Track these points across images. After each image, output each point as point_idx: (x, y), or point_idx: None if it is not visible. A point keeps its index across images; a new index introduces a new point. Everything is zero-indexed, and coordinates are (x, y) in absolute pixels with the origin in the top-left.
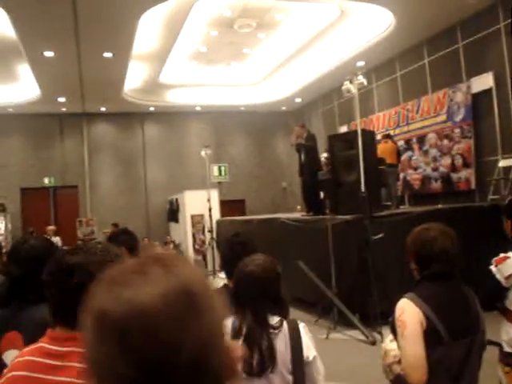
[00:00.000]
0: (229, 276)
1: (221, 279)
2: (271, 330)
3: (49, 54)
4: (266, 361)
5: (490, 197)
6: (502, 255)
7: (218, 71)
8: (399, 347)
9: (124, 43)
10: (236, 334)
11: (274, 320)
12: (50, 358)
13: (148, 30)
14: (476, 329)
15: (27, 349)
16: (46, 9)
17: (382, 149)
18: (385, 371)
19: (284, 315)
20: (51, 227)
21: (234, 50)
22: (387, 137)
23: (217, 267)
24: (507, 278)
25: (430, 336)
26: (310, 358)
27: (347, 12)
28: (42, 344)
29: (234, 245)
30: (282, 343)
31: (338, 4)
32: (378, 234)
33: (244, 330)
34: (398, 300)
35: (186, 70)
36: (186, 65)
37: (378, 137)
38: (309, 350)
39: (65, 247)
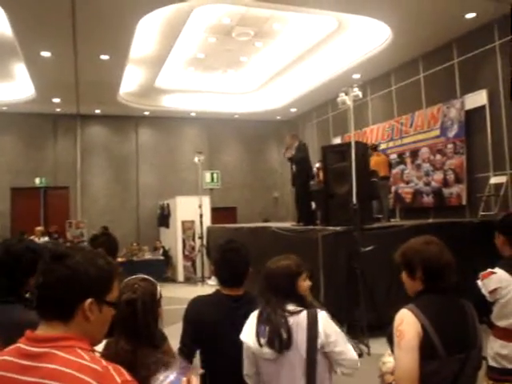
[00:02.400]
0: (221, 282)
1: (210, 286)
2: (288, 315)
3: (46, 54)
4: (284, 340)
5: (481, 213)
6: (488, 270)
7: (214, 78)
8: (394, 357)
9: (121, 46)
10: (259, 320)
11: (291, 307)
12: (25, 359)
13: (146, 34)
14: (472, 344)
15: (6, 349)
16: (44, 9)
17: (375, 161)
18: (380, 381)
19: (304, 305)
20: (39, 228)
21: (231, 58)
22: (375, 149)
23: (206, 274)
24: (491, 292)
25: (426, 349)
26: (331, 339)
27: (345, 24)
28: (19, 344)
29: (226, 251)
30: (301, 328)
31: (335, 16)
32: (367, 246)
33: (264, 315)
34: (385, 312)
35: (182, 76)
36: (182, 70)
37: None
38: (327, 336)
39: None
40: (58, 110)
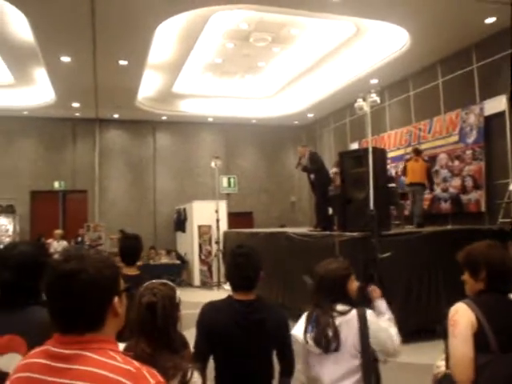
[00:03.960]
0: (233, 287)
1: (226, 290)
2: (336, 315)
3: (66, 59)
4: (330, 338)
5: (500, 220)
6: None
7: (231, 83)
8: (449, 346)
9: (140, 52)
10: (308, 319)
11: (341, 307)
12: (54, 361)
13: (164, 39)
14: None
15: (33, 351)
16: (65, 14)
17: (412, 167)
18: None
19: (353, 305)
20: (58, 231)
21: (249, 63)
22: (418, 153)
23: (222, 278)
24: None
25: (479, 341)
26: (378, 334)
27: (362, 29)
28: (48, 346)
29: (237, 256)
30: (349, 328)
31: (353, 21)
32: (385, 252)
33: (314, 315)
34: (403, 320)
35: (200, 81)
36: (200, 75)
37: (390, 154)
38: (375, 332)
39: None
40: (77, 114)
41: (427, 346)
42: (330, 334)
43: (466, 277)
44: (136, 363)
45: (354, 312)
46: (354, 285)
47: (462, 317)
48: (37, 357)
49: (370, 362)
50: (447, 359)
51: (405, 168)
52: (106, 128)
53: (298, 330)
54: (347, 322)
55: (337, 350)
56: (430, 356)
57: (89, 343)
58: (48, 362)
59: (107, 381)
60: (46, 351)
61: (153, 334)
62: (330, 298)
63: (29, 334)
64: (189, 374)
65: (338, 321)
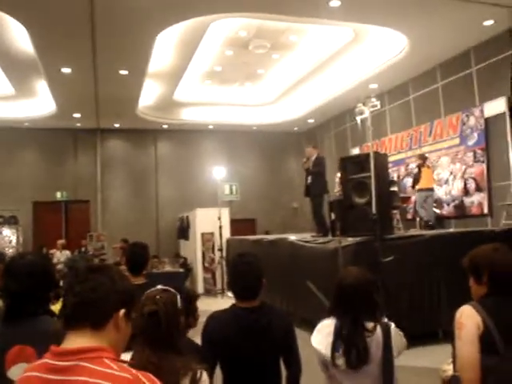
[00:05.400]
0: (236, 296)
1: (229, 298)
2: (367, 333)
3: (66, 70)
4: (362, 358)
5: (503, 221)
6: None
7: (231, 91)
8: (456, 349)
9: (140, 61)
10: (337, 335)
11: (370, 325)
12: (52, 374)
13: (164, 48)
14: None
15: (32, 364)
16: (64, 26)
17: (426, 173)
18: None
19: (378, 320)
20: (61, 241)
21: (249, 70)
22: (426, 159)
23: (225, 286)
24: None
25: (486, 343)
26: (400, 349)
27: (361, 35)
28: (46, 360)
29: (238, 265)
30: (374, 344)
31: (352, 27)
32: (388, 256)
33: (344, 332)
34: (407, 323)
35: (200, 89)
36: (200, 83)
37: (391, 158)
38: (397, 347)
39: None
40: (79, 124)
41: (430, 349)
42: (363, 352)
43: (470, 282)
44: (133, 370)
45: (378, 328)
46: (376, 300)
47: (467, 319)
48: (35, 370)
49: (392, 377)
50: (455, 362)
51: (419, 173)
52: (107, 138)
53: (319, 342)
54: (373, 338)
55: (365, 365)
56: (431, 359)
57: (85, 353)
58: (45, 376)
59: None
60: (43, 365)
61: (157, 342)
62: (358, 311)
63: (39, 344)
64: (198, 374)
65: (368, 339)
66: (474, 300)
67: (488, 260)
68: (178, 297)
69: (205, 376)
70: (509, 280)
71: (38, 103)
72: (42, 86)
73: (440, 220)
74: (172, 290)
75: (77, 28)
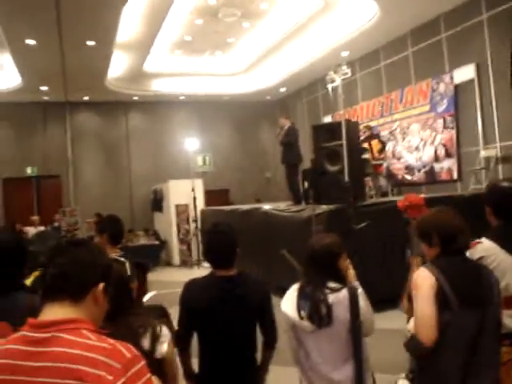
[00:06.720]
0: (212, 265)
1: (205, 268)
2: (329, 292)
3: (31, 42)
4: (324, 316)
5: (472, 187)
6: (474, 241)
7: (202, 60)
8: (414, 309)
9: (107, 31)
10: (301, 295)
11: (334, 285)
12: (30, 345)
13: (132, 17)
14: (489, 301)
15: (10, 337)
16: None
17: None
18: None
19: (344, 283)
20: (35, 217)
21: (219, 39)
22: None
23: (201, 256)
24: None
25: (440, 301)
26: (367, 314)
27: (332, 2)
28: (23, 332)
29: (212, 234)
30: (341, 305)
31: None
32: (361, 222)
33: (308, 291)
34: (378, 289)
35: (170, 59)
36: (170, 54)
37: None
38: (365, 311)
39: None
40: (46, 98)
41: (400, 312)
42: (324, 310)
43: (423, 246)
44: (111, 340)
45: (345, 290)
46: (345, 263)
47: (422, 280)
48: (13, 343)
49: (359, 339)
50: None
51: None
52: (76, 111)
53: (288, 306)
54: (339, 299)
55: (329, 325)
56: (402, 321)
57: (62, 324)
58: (24, 348)
59: (82, 360)
60: (21, 337)
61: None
62: (322, 274)
63: (15, 319)
64: (158, 328)
65: (331, 298)
66: (428, 261)
67: (434, 223)
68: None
69: (165, 330)
70: (455, 238)
71: (3, 77)
72: (6, 59)
73: (411, 186)
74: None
75: None
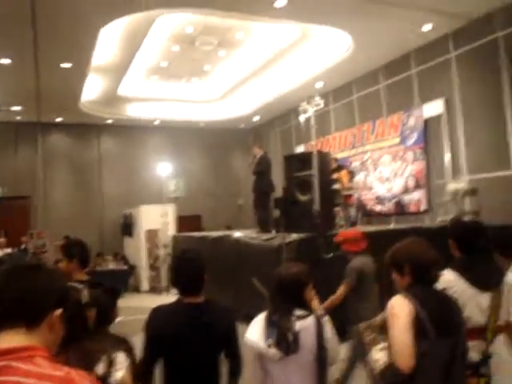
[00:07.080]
0: (180, 291)
1: (174, 295)
2: (296, 320)
3: (5, 61)
4: (291, 344)
5: (439, 219)
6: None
7: (178, 87)
8: (390, 338)
9: (83, 54)
10: (268, 322)
11: (300, 312)
12: None
13: (108, 41)
14: (458, 329)
15: None
16: (4, 15)
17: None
18: (371, 376)
19: (311, 311)
20: (2, 239)
21: (195, 67)
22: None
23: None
24: None
25: (418, 330)
26: (333, 341)
27: (308, 34)
28: None
29: (180, 261)
30: (307, 332)
31: (298, 26)
32: (330, 252)
33: (275, 319)
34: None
35: (145, 84)
36: (146, 79)
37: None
38: (330, 339)
39: None
40: (19, 118)
41: None
42: (291, 337)
43: (394, 276)
44: (66, 368)
45: (311, 317)
46: (311, 294)
47: (400, 309)
48: None
49: (325, 367)
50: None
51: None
52: (48, 132)
53: (254, 335)
54: (305, 326)
55: (296, 352)
56: None
57: (16, 352)
58: None
59: None
60: None
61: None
62: (289, 302)
63: None
64: (113, 355)
65: (297, 325)
66: (400, 291)
67: (407, 254)
68: (85, 292)
69: (121, 357)
70: (429, 270)
71: None
72: None
73: (380, 216)
74: (76, 285)
75: (17, 18)
